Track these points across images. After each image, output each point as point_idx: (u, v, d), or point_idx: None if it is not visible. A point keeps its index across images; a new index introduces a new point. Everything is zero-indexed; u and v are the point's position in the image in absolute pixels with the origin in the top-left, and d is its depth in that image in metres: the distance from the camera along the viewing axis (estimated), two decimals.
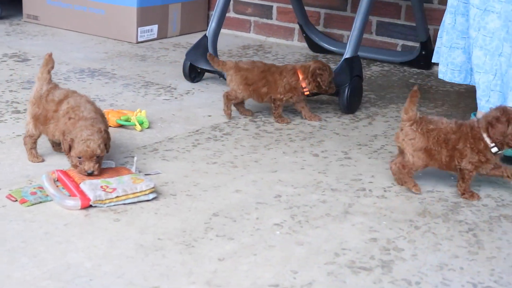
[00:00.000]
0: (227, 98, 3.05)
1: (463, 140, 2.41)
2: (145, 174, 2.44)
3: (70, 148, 2.34)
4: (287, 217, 2.25)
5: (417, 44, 3.90)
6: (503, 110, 2.40)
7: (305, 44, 4.27)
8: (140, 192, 2.27)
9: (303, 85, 3.05)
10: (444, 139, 2.42)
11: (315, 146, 2.83)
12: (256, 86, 3.05)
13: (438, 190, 2.49)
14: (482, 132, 2.40)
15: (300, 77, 3.04)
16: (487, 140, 2.39)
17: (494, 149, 2.39)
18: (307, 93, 3.07)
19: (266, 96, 3.07)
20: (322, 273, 1.95)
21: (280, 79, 3.05)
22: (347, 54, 3.22)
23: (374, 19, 4.10)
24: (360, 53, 3.96)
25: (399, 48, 4.07)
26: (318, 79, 3.03)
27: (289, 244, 2.09)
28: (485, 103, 2.75)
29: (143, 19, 4.28)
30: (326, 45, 4.14)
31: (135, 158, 2.48)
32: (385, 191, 2.47)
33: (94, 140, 2.32)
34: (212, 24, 3.53)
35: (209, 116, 3.12)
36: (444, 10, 3.60)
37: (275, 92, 3.05)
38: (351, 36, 3.24)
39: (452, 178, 2.59)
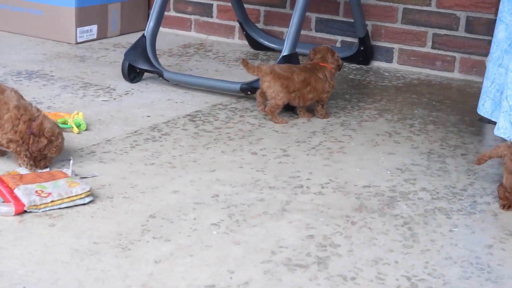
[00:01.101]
0: (271, 111, 3.06)
1: None
2: (81, 178, 2.41)
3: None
4: (225, 217, 2.25)
5: (355, 40, 3.94)
6: None
7: (245, 42, 4.28)
8: (75, 196, 2.25)
9: (333, 70, 3.16)
10: None
11: (254, 144, 2.84)
12: (300, 93, 3.07)
13: (374, 185, 2.52)
14: None
15: (326, 66, 3.14)
16: None
17: None
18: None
19: (311, 100, 3.11)
20: (259, 271, 1.96)
21: (324, 80, 3.12)
22: (285, 52, 3.24)
23: (313, 16, 4.12)
24: (300, 50, 3.99)
25: (338, 44, 4.10)
26: (337, 63, 3.17)
27: (226, 244, 2.09)
28: (481, 106, 2.79)
29: (82, 20, 4.23)
30: (266, 42, 4.15)
31: (71, 161, 2.46)
32: (322, 187, 2.49)
33: None
34: (150, 23, 3.51)
35: (148, 116, 3.10)
36: (381, 5, 3.67)
37: (323, 93, 3.12)
38: (288, 33, 3.26)
39: (389, 172, 2.63)
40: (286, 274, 1.96)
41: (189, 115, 3.14)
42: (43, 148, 2.42)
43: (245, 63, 3.05)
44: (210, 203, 2.34)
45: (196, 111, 3.18)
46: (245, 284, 1.90)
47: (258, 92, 3.08)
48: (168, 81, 3.46)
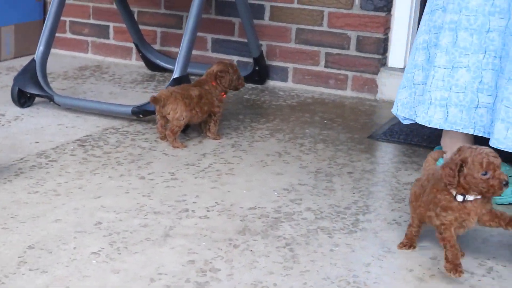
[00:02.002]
0: (173, 133, 3.04)
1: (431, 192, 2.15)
2: None
3: None
4: (106, 245, 2.23)
5: (251, 60, 3.97)
6: (458, 150, 2.11)
7: (143, 63, 4.25)
8: None
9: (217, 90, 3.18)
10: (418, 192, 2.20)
11: (143, 169, 2.82)
12: (199, 108, 3.09)
13: (260, 207, 2.54)
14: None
15: (214, 84, 3.16)
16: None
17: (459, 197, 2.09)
18: (224, 96, 3.20)
19: (206, 114, 3.14)
20: None
21: (212, 95, 3.14)
22: (176, 74, 3.24)
23: (208, 36, 4.14)
24: (196, 70, 4.01)
25: None
26: (222, 82, 3.16)
27: (105, 273, 2.07)
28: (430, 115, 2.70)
29: None
30: (163, 63, 4.14)
31: None
32: (208, 210, 2.49)
33: None
34: (40, 47, 3.46)
35: (36, 142, 3.05)
36: (275, 26, 3.71)
37: (213, 107, 3.14)
38: (179, 56, 3.26)
39: (276, 193, 2.65)
40: None
41: (79, 140, 3.10)
42: None
43: (155, 99, 3.02)
44: (92, 231, 2.31)
45: (87, 136, 3.14)
46: None
47: (158, 118, 3.07)
48: (60, 105, 3.41)
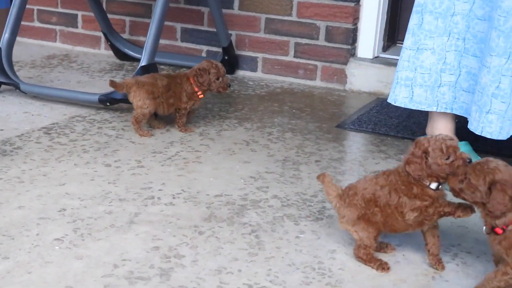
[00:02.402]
0: (136, 121, 3.01)
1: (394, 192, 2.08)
2: None
3: None
4: (70, 231, 2.20)
5: (220, 50, 3.95)
6: (415, 143, 2.09)
7: (111, 53, 4.22)
8: None
9: (196, 89, 3.08)
10: (371, 198, 2.09)
11: (109, 156, 2.80)
12: (163, 98, 3.03)
13: (226, 194, 2.53)
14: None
15: (192, 82, 3.07)
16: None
17: (433, 185, 2.06)
18: (201, 96, 3.10)
19: (173, 106, 3.06)
20: (98, 286, 1.93)
21: (182, 89, 3.06)
22: (143, 62, 3.21)
23: (178, 26, 4.11)
24: (165, 60, 4.00)
25: (204, 54, 4.11)
26: (200, 80, 3.05)
27: (68, 259, 2.04)
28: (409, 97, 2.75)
29: None
30: (131, 52, 4.11)
31: None
32: (174, 198, 2.48)
33: None
34: (6, 35, 3.42)
35: (1, 130, 3.01)
36: (244, 15, 3.68)
37: (180, 102, 3.07)
38: (146, 44, 3.23)
39: (243, 181, 2.64)
40: (127, 287, 1.93)
41: (44, 127, 3.06)
42: None
43: (113, 84, 3.03)
44: (55, 217, 2.29)
45: (53, 124, 3.11)
46: None
47: (131, 119, 3.07)
48: (26, 93, 3.37)
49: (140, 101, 3.01)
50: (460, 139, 2.81)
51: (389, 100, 2.75)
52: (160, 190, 2.53)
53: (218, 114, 3.35)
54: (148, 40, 3.23)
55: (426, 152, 2.04)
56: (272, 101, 3.60)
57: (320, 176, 2.18)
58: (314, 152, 2.96)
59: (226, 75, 3.82)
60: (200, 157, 2.84)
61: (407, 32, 2.67)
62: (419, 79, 2.66)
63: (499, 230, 1.91)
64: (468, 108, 2.63)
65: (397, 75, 2.71)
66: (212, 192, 2.54)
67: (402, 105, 2.71)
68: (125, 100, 3.15)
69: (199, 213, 2.38)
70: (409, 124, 3.30)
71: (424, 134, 2.83)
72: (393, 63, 3.63)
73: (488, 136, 2.52)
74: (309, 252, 2.17)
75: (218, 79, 3.08)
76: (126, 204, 2.41)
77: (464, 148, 2.71)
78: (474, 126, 2.54)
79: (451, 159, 2.02)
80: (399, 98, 2.71)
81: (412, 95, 2.68)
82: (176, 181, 2.60)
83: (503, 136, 2.52)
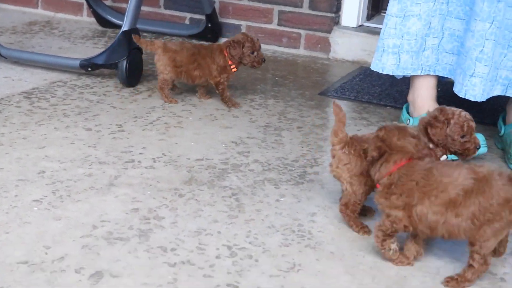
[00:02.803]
0: (160, 87, 3.00)
1: None
2: None
3: None
4: (48, 193, 2.19)
5: (203, 17, 3.92)
6: (441, 110, 2.13)
7: (94, 20, 4.17)
8: None
9: (230, 62, 2.98)
10: None
11: (90, 121, 2.78)
12: (186, 68, 2.97)
13: (207, 158, 2.52)
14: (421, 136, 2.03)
15: (226, 54, 2.98)
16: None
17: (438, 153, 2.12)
18: (235, 69, 3.00)
19: (199, 78, 3.00)
20: (77, 246, 1.92)
21: (212, 62, 2.98)
22: (125, 27, 3.18)
23: None
24: (148, 27, 3.96)
25: (187, 21, 4.08)
26: (232, 53, 2.95)
27: (46, 220, 2.03)
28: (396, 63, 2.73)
29: None
30: (114, 19, 4.07)
31: None
32: (154, 161, 2.46)
33: None
34: None
35: None
36: None
37: (210, 76, 2.99)
38: (128, 9, 3.20)
39: (224, 145, 2.63)
40: (105, 247, 1.92)
41: (25, 92, 3.03)
42: None
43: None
44: (34, 179, 2.27)
45: (33, 88, 3.08)
46: (60, 259, 1.85)
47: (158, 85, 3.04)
48: (6, 58, 3.33)
49: (162, 66, 2.98)
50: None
51: (375, 68, 2.73)
52: (140, 153, 2.52)
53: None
54: (130, 5, 3.19)
55: (448, 123, 2.08)
56: (255, 68, 3.57)
57: (336, 107, 2.06)
58: (296, 118, 2.95)
59: (210, 42, 3.81)
60: (182, 122, 2.82)
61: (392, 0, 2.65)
62: (406, 45, 2.66)
63: (378, 185, 1.93)
64: (452, 69, 2.64)
65: (382, 43, 2.69)
66: (193, 156, 2.53)
67: (390, 73, 2.70)
68: (107, 65, 3.13)
69: (180, 176, 2.37)
70: (392, 92, 3.29)
71: (406, 102, 2.82)
72: (377, 32, 3.61)
73: (472, 99, 2.53)
74: (289, 215, 2.17)
75: (252, 53, 2.96)
76: (106, 167, 2.39)
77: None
78: (458, 89, 2.56)
79: (465, 139, 2.07)
80: (387, 65, 2.69)
81: (399, 62, 2.68)
82: (157, 145, 2.59)
83: (483, 98, 2.53)
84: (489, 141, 2.76)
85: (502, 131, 2.73)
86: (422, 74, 2.68)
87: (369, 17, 3.89)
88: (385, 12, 2.78)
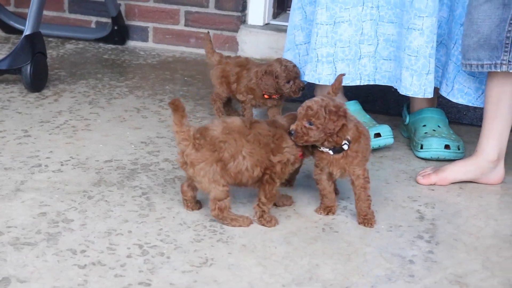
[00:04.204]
0: (212, 99, 2.86)
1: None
2: None
3: None
4: None
5: (109, 20, 3.87)
6: None
7: None
8: None
9: (263, 92, 2.76)
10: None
11: None
12: (226, 81, 2.84)
13: (116, 159, 2.49)
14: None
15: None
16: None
17: None
18: (267, 96, 2.77)
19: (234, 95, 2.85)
20: None
21: (247, 78, 2.79)
22: (27, 31, 3.11)
23: None
24: (53, 32, 3.89)
25: (93, 25, 4.02)
26: (263, 84, 2.71)
27: None
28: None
29: None
30: (17, 25, 3.97)
31: None
32: (62, 165, 2.42)
33: None
34: None
35: None
36: None
37: (237, 92, 2.82)
38: (30, 12, 3.13)
39: (133, 146, 2.61)
40: (12, 253, 1.88)
41: None
42: None
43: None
44: None
45: None
46: None
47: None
48: None
49: (213, 78, 2.88)
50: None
51: (311, 80, 2.64)
52: (47, 158, 2.47)
53: (108, 83, 3.29)
54: (31, 8, 3.12)
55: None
56: (164, 69, 3.56)
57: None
58: (206, 116, 2.95)
59: (117, 45, 3.77)
60: (90, 125, 2.78)
61: (319, 7, 2.58)
62: (340, 53, 2.60)
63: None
64: (392, 76, 2.62)
65: (316, 53, 2.61)
66: (102, 158, 2.49)
67: (327, 83, 2.61)
68: (11, 70, 3.05)
69: (88, 178, 2.34)
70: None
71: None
72: (283, 30, 3.65)
73: (429, 96, 2.56)
74: (201, 211, 2.17)
75: (288, 82, 2.68)
76: (11, 172, 2.34)
77: (353, 107, 2.75)
78: (414, 91, 2.54)
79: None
80: (323, 76, 2.62)
81: (336, 71, 2.61)
82: (64, 149, 2.55)
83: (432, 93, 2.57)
84: (395, 130, 2.82)
85: (407, 120, 2.79)
86: (361, 84, 2.64)
87: (275, 15, 3.92)
88: (289, 10, 2.79)
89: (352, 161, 2.10)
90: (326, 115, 2.04)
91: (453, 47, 2.58)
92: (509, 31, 2.29)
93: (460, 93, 2.59)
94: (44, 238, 1.96)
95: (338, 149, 2.09)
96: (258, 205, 2.10)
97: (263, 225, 2.09)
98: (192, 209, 2.14)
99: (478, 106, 2.60)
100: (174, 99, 2.02)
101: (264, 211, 2.09)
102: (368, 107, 2.95)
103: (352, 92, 2.93)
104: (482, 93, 2.56)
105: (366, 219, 2.13)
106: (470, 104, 2.60)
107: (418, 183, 2.43)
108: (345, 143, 2.08)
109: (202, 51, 3.84)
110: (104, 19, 3.99)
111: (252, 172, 2.06)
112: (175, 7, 3.86)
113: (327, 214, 2.17)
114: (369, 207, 2.13)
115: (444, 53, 2.65)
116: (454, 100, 2.61)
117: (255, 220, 2.11)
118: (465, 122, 3.00)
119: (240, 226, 2.08)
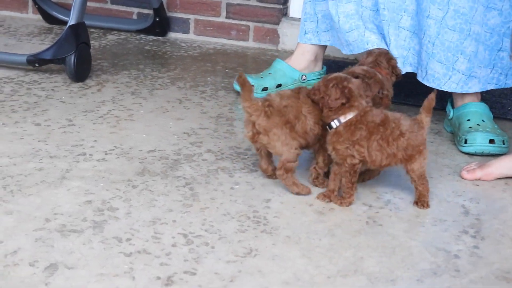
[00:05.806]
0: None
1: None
2: None
3: None
4: None
5: (151, 11, 3.89)
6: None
7: (40, 17, 4.11)
8: None
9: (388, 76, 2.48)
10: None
11: (39, 116, 2.73)
12: None
13: (160, 149, 2.50)
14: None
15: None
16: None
17: None
18: None
19: None
20: (30, 240, 1.89)
21: None
22: (72, 21, 3.13)
23: None
24: (95, 23, 3.92)
25: (135, 16, 4.04)
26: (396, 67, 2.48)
27: None
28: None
29: None
30: (60, 15, 4.01)
31: None
32: (106, 154, 2.44)
33: None
34: None
35: None
36: None
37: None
38: (74, 2, 3.15)
39: (176, 136, 2.62)
40: (59, 240, 1.90)
41: None
42: None
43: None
44: None
45: None
46: (13, 253, 1.82)
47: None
48: None
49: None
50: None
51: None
52: (92, 147, 2.49)
53: (150, 74, 3.31)
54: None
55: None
56: (205, 61, 3.57)
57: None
58: None
59: (158, 37, 3.78)
60: (133, 115, 2.80)
61: None
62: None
63: None
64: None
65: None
66: (145, 147, 2.51)
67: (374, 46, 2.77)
68: (55, 60, 3.08)
69: (132, 168, 2.35)
70: None
71: None
72: None
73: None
74: (244, 202, 2.17)
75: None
76: (57, 160, 2.36)
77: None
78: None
79: None
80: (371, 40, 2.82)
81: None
82: (108, 138, 2.57)
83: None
84: (438, 125, 2.80)
85: (451, 115, 2.77)
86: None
87: None
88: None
89: (337, 140, 2.14)
90: (332, 88, 2.13)
91: (423, 37, 2.71)
92: None
93: (432, 77, 2.73)
94: (90, 226, 1.97)
95: (329, 125, 2.18)
96: (314, 168, 2.28)
97: (315, 185, 2.27)
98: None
99: (446, 90, 2.73)
100: (240, 73, 2.19)
101: (320, 174, 2.27)
102: (413, 101, 2.93)
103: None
104: (449, 79, 2.70)
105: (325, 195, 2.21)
106: (439, 88, 2.70)
107: (462, 178, 2.41)
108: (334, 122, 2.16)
109: (243, 44, 3.85)
110: (145, 11, 4.01)
111: (315, 131, 2.21)
112: None
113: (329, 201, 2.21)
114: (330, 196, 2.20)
115: (417, 42, 2.77)
116: (428, 84, 2.75)
117: (309, 180, 2.29)
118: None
119: (298, 193, 2.21)
